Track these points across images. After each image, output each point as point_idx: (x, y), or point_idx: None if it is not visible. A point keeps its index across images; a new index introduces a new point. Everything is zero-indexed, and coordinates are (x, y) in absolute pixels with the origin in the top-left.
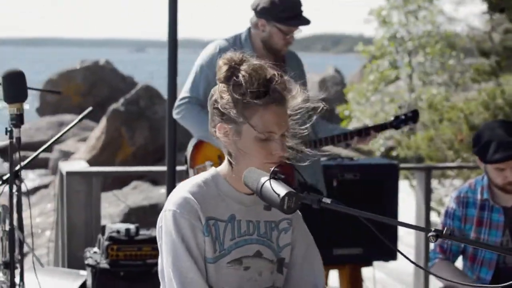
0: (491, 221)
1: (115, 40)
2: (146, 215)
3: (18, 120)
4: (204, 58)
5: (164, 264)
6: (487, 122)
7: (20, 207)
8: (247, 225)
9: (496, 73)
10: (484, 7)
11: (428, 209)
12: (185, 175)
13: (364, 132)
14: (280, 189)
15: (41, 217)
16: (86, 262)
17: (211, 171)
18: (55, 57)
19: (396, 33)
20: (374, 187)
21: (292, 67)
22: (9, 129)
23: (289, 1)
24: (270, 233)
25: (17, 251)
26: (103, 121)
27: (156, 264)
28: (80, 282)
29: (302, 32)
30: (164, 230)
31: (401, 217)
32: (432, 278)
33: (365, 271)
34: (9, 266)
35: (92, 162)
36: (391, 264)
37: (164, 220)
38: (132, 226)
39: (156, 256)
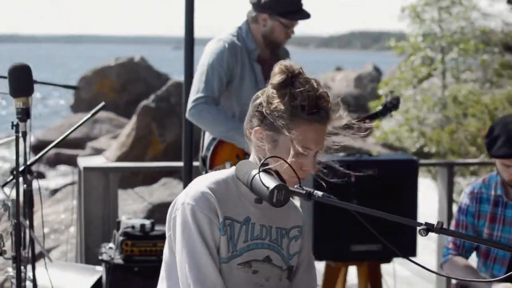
0: (505, 218)
1: (154, 37)
2: None
3: (24, 114)
4: (214, 56)
5: (178, 258)
6: (504, 116)
7: (31, 201)
8: (261, 229)
9: None
10: None
11: (450, 205)
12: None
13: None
14: (270, 182)
15: (66, 213)
16: (100, 257)
17: (232, 170)
18: (93, 54)
19: (429, 29)
20: (393, 183)
21: (283, 58)
22: (15, 123)
23: None
24: (280, 239)
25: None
26: (134, 118)
27: None
28: (96, 278)
29: (299, 24)
30: (179, 222)
31: (424, 213)
32: None
33: (387, 268)
34: (16, 260)
35: (122, 159)
36: (417, 261)
37: (181, 213)
38: (147, 222)
39: None
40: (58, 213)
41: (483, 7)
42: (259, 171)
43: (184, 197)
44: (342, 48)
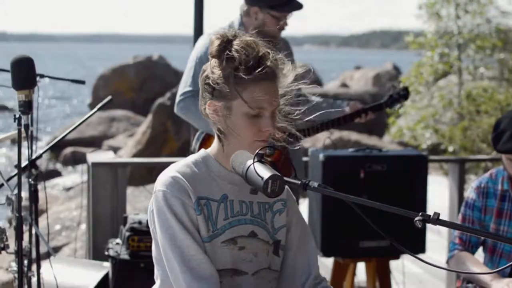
0: (511, 213)
1: (172, 36)
2: None
3: (26, 107)
4: (201, 49)
5: (161, 246)
6: (511, 111)
7: (36, 196)
8: (240, 205)
9: None
10: None
11: (461, 202)
12: None
13: (363, 113)
14: (264, 172)
15: (78, 210)
16: (107, 253)
17: (201, 152)
18: (112, 53)
19: (446, 26)
20: (402, 179)
21: (280, 51)
22: (17, 116)
23: None
24: (264, 214)
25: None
26: (149, 116)
27: None
28: (103, 274)
29: (293, 15)
30: (156, 211)
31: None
32: None
33: (398, 264)
34: (17, 255)
35: (137, 157)
36: (427, 259)
37: (155, 202)
38: None
39: None
40: (70, 210)
41: (501, 5)
42: (254, 162)
43: (156, 186)
44: (362, 47)
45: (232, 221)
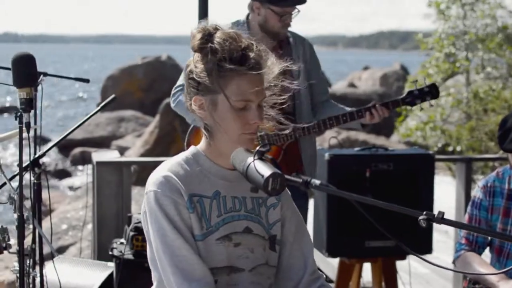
0: None
1: (181, 37)
2: None
3: (27, 105)
4: None
5: (154, 247)
6: None
7: (39, 195)
8: (233, 201)
9: None
10: None
11: (468, 201)
12: None
13: (373, 109)
14: (265, 170)
15: (84, 210)
16: (111, 253)
17: (191, 149)
18: (122, 54)
19: (454, 26)
20: (408, 178)
21: (297, 51)
22: (18, 114)
23: None
24: (258, 209)
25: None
26: (157, 116)
27: None
28: (107, 274)
29: (300, 13)
30: (148, 212)
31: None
32: None
33: (405, 264)
34: (19, 254)
35: (145, 156)
36: (434, 259)
37: (147, 202)
38: None
39: None
40: (76, 210)
41: (509, 4)
42: (254, 159)
43: (147, 186)
44: (371, 48)
45: (226, 218)
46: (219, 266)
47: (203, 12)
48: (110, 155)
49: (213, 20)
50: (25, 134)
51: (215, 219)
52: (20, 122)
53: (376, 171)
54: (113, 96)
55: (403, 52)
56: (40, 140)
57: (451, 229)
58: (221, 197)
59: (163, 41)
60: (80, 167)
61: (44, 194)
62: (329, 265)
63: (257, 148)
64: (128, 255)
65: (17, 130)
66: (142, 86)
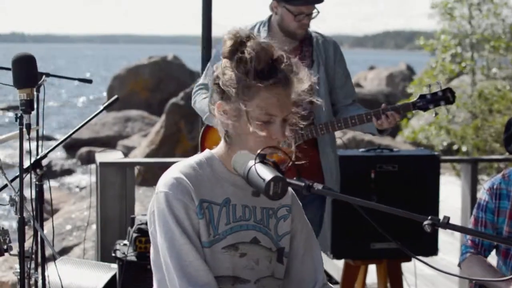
0: None
1: (188, 37)
2: None
3: (28, 106)
4: (220, 45)
5: (160, 249)
6: None
7: (42, 196)
8: (243, 210)
9: None
10: None
11: (474, 202)
12: None
13: (383, 113)
14: (266, 174)
15: (88, 210)
16: (114, 254)
17: (205, 152)
18: (128, 54)
19: (459, 26)
20: (414, 179)
21: (319, 52)
22: (18, 115)
23: None
24: (267, 220)
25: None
26: (163, 116)
27: None
28: (110, 275)
29: (318, 14)
30: (156, 213)
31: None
32: None
33: (411, 266)
34: (20, 256)
35: (151, 156)
36: (440, 260)
37: (157, 203)
38: None
39: None
40: (81, 210)
41: None
42: (255, 163)
43: (158, 186)
44: (376, 48)
45: (234, 226)
46: (224, 275)
47: (207, 12)
48: (113, 155)
49: (245, 26)
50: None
51: (223, 227)
52: (21, 124)
53: (381, 172)
54: (116, 96)
55: (409, 52)
56: (42, 141)
57: None
58: (231, 205)
59: (169, 41)
60: (86, 167)
61: (50, 195)
62: (334, 266)
63: (259, 151)
64: (131, 256)
65: (16, 131)
66: (148, 86)
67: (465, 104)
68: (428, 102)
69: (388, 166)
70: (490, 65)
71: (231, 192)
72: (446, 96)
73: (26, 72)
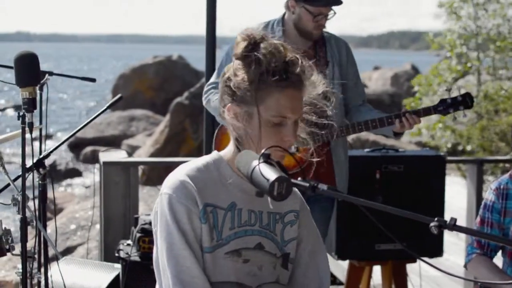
0: None
1: (193, 37)
2: None
3: (30, 104)
4: (232, 44)
5: (159, 251)
6: None
7: (44, 196)
8: (249, 215)
9: None
10: None
11: (479, 203)
12: None
13: (404, 117)
14: (270, 174)
15: (92, 210)
16: (117, 254)
17: (213, 154)
18: (133, 54)
19: (465, 26)
20: (419, 179)
21: (333, 53)
22: (21, 113)
23: None
24: (273, 225)
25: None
26: (167, 115)
27: None
28: (113, 275)
29: (335, 14)
30: (159, 214)
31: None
32: None
33: (416, 267)
34: (22, 256)
35: (155, 156)
36: (445, 261)
37: (160, 204)
38: None
39: None
40: (85, 210)
41: None
42: (259, 162)
43: (163, 187)
44: (381, 48)
45: (238, 232)
46: (226, 280)
47: (211, 12)
48: (117, 155)
49: (258, 24)
50: (35, 134)
51: (227, 232)
52: (23, 122)
53: (387, 173)
54: (119, 95)
55: (414, 52)
56: (45, 140)
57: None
58: (237, 209)
59: (174, 41)
60: (90, 166)
61: (55, 194)
62: (339, 267)
63: (263, 151)
64: (135, 257)
65: (18, 130)
66: (153, 85)
67: None
68: (448, 106)
69: (393, 166)
70: (495, 65)
71: (238, 197)
72: (465, 101)
73: (29, 71)
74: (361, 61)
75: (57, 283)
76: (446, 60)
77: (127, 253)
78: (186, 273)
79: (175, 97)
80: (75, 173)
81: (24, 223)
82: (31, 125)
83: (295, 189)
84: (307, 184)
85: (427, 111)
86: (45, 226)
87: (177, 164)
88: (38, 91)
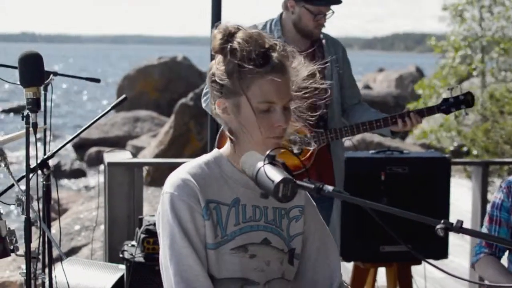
0: None
1: (197, 38)
2: None
3: (34, 104)
4: None
5: (162, 250)
6: None
7: (49, 196)
8: (253, 210)
9: None
10: None
11: (484, 205)
12: None
13: (407, 116)
14: (275, 175)
15: (97, 210)
16: (121, 255)
17: (213, 152)
18: (138, 55)
19: (470, 28)
20: (424, 181)
21: (330, 53)
22: (25, 114)
23: None
24: (279, 220)
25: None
26: (172, 116)
27: None
28: (118, 276)
29: (334, 14)
30: (161, 214)
31: (460, 213)
32: None
33: (421, 269)
34: (26, 256)
35: (160, 157)
36: (450, 263)
37: (162, 204)
38: None
39: None
40: (90, 210)
41: None
42: (264, 164)
43: (165, 187)
44: (386, 50)
45: (244, 227)
46: (232, 277)
47: (217, 13)
48: (122, 155)
49: (235, 20)
50: (38, 135)
51: (232, 227)
52: (27, 123)
53: (391, 174)
54: (123, 96)
55: (419, 54)
56: (50, 140)
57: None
58: (241, 205)
59: (179, 42)
60: (95, 167)
61: (60, 194)
62: (344, 269)
63: (268, 152)
64: (139, 258)
65: (22, 131)
66: (157, 86)
67: (475, 106)
68: (450, 105)
69: (398, 168)
70: (500, 67)
71: (241, 192)
72: (467, 100)
73: (32, 71)
74: (365, 63)
75: (61, 284)
76: (447, 59)
77: (131, 254)
78: (188, 272)
79: (180, 98)
80: (79, 173)
81: (28, 224)
82: (35, 126)
83: None
84: (313, 186)
85: (431, 111)
86: (49, 227)
87: (181, 165)
88: (42, 91)
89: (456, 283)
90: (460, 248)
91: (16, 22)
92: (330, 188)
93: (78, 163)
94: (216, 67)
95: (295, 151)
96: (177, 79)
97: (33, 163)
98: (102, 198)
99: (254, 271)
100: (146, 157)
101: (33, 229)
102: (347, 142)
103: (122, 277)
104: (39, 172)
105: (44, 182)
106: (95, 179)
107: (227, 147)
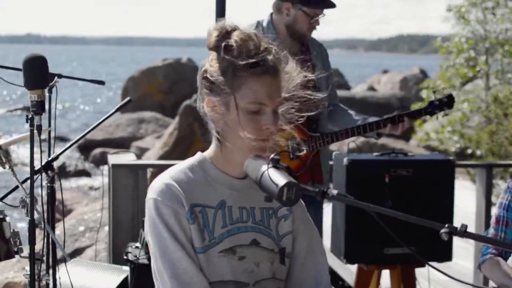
0: None
1: (202, 39)
2: None
3: (39, 107)
4: None
5: (153, 257)
6: None
7: (53, 198)
8: (240, 212)
9: None
10: None
11: (488, 207)
12: None
13: (398, 120)
14: (279, 179)
15: (101, 212)
16: (125, 257)
17: (197, 156)
18: (143, 56)
19: (473, 30)
20: (428, 184)
21: (317, 55)
22: (29, 116)
23: None
24: (267, 220)
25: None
26: (176, 118)
27: None
28: (122, 278)
29: (325, 16)
30: (147, 220)
31: (462, 215)
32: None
33: (425, 271)
34: (30, 258)
35: (164, 158)
36: (454, 265)
37: (147, 210)
38: None
39: None
40: (94, 212)
41: None
42: (268, 167)
43: (148, 193)
44: (390, 51)
45: (231, 229)
46: (223, 279)
47: (221, 15)
48: (126, 157)
49: (233, 20)
50: (43, 136)
51: (219, 230)
52: (31, 125)
53: (396, 177)
54: (128, 98)
55: (423, 56)
56: (55, 142)
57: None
58: (227, 207)
59: (183, 43)
60: (100, 168)
61: (64, 195)
62: (348, 271)
63: (271, 155)
64: (143, 259)
65: (27, 133)
66: (162, 88)
67: (479, 109)
68: (435, 108)
69: (402, 170)
70: (504, 69)
71: (227, 194)
72: (448, 102)
73: (37, 73)
74: (370, 64)
75: (65, 285)
76: (450, 61)
77: (135, 256)
78: (184, 274)
79: (184, 99)
80: (84, 174)
81: (32, 225)
82: (39, 128)
83: None
84: (317, 190)
85: (418, 113)
86: (53, 228)
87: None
88: (47, 94)
89: (460, 285)
90: (464, 251)
91: (22, 24)
92: (334, 192)
93: (82, 164)
94: (210, 64)
95: (297, 153)
96: (182, 80)
97: (37, 165)
98: (106, 199)
99: (243, 272)
100: (150, 158)
101: (37, 230)
102: (351, 144)
103: (126, 278)
104: (44, 174)
105: (48, 184)
106: (99, 180)
107: (212, 149)
